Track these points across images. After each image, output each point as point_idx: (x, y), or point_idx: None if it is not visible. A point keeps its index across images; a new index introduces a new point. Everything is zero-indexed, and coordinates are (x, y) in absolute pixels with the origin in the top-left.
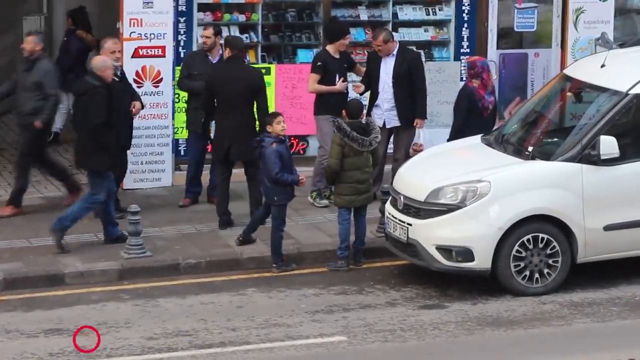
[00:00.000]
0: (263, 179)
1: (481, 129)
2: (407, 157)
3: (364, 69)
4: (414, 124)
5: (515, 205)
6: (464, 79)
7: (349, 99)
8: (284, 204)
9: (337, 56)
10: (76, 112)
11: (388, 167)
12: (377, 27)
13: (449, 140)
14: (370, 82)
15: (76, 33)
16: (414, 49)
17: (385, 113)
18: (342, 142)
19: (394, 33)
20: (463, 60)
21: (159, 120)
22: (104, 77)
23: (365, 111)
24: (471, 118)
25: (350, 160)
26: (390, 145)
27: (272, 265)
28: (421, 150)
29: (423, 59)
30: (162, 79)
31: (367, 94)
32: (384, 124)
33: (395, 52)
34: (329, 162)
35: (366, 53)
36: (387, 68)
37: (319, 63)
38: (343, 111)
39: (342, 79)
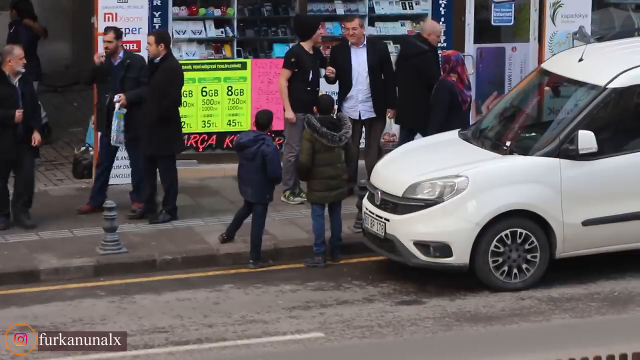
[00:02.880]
0: (251, 178)
1: (460, 123)
2: (379, 149)
3: (329, 67)
4: (387, 114)
5: (493, 200)
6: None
7: (320, 95)
8: (270, 201)
9: (311, 52)
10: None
11: (362, 162)
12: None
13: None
14: (340, 74)
15: (23, 22)
16: (383, 41)
17: (360, 105)
18: (312, 137)
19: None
20: (440, 55)
21: None
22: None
23: (335, 106)
24: (451, 112)
25: (321, 155)
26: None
27: (249, 262)
28: (392, 141)
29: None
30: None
31: (337, 88)
32: (359, 116)
33: (365, 43)
34: (300, 158)
35: None
36: (359, 59)
37: (292, 59)
38: (314, 107)
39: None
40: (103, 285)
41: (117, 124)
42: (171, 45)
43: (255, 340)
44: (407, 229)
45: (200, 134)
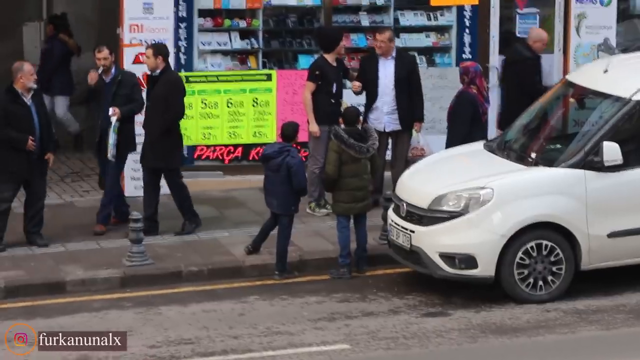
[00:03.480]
0: (277, 189)
1: (481, 135)
2: (407, 161)
3: (355, 82)
4: (414, 127)
5: (518, 212)
6: None
7: (345, 107)
8: (295, 213)
9: (335, 63)
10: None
11: (388, 174)
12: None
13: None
14: (367, 85)
15: (59, 37)
16: (412, 54)
17: (385, 116)
18: (339, 149)
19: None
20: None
21: None
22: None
23: (361, 117)
24: (472, 125)
25: (347, 167)
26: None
27: (275, 273)
28: (421, 155)
29: (424, 65)
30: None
31: (363, 99)
32: (384, 128)
33: (393, 55)
34: (326, 169)
35: None
36: (386, 71)
37: (316, 72)
38: (340, 119)
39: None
40: (129, 296)
41: (113, 138)
42: (195, 56)
43: (280, 352)
44: (433, 241)
45: (225, 145)
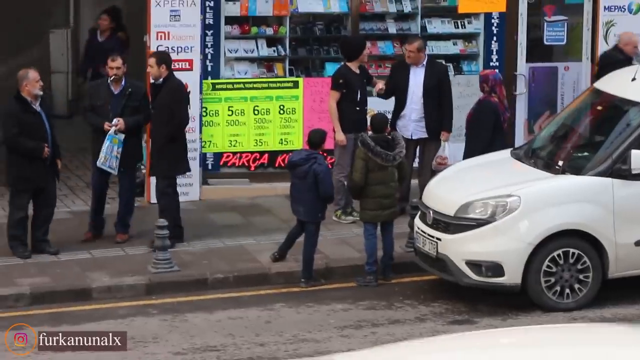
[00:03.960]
0: (303, 197)
1: (503, 144)
2: (431, 170)
3: (379, 82)
4: (440, 136)
5: (545, 220)
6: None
7: (373, 114)
8: (322, 220)
9: (358, 71)
10: None
11: (415, 182)
12: (405, 39)
13: (471, 157)
14: (396, 92)
15: (118, 35)
16: (443, 62)
17: (412, 124)
18: (365, 156)
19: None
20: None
21: (187, 134)
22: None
23: (389, 125)
24: (494, 133)
25: (374, 174)
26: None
27: (301, 280)
28: (445, 164)
29: (451, 72)
30: (189, 92)
31: (391, 107)
32: (411, 136)
33: (424, 63)
34: (353, 177)
35: None
36: (416, 79)
37: (340, 80)
38: (368, 125)
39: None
40: (155, 303)
41: (108, 146)
42: (222, 63)
43: None
44: (459, 249)
45: (252, 152)
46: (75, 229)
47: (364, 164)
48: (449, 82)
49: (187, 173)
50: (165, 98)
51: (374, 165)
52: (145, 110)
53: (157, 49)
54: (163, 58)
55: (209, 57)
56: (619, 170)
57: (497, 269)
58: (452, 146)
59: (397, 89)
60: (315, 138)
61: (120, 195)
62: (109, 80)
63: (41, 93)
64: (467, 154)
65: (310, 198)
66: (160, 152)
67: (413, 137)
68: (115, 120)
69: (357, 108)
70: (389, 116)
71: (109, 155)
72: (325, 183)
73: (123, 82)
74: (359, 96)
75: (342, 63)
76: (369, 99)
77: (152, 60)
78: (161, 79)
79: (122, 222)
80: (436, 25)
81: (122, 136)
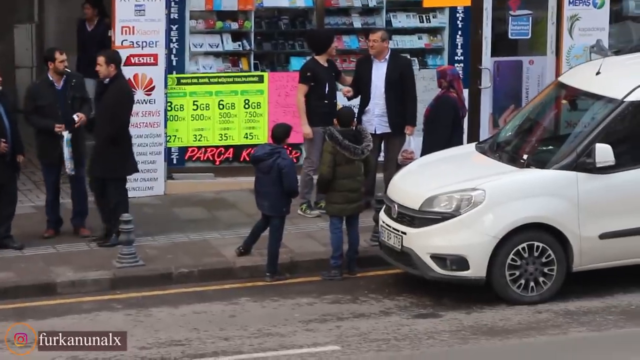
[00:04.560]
0: (267, 191)
1: (460, 139)
2: (396, 164)
3: (348, 78)
4: (405, 131)
5: (510, 213)
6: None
7: (340, 108)
8: (286, 214)
9: (326, 64)
10: None
11: (380, 176)
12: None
13: (430, 153)
14: (360, 87)
15: (105, 22)
16: (407, 56)
17: (375, 118)
18: (334, 150)
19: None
20: (457, 68)
21: (152, 129)
22: None
23: (355, 119)
24: (452, 129)
25: (341, 168)
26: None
27: (266, 275)
28: (411, 158)
29: (416, 67)
30: (154, 87)
31: (357, 101)
32: (375, 131)
33: (387, 57)
34: (320, 170)
35: None
36: (379, 73)
37: (308, 73)
38: (334, 120)
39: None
40: (119, 298)
41: (68, 151)
42: (187, 58)
43: (271, 354)
44: (424, 242)
45: (217, 147)
46: (39, 224)
47: (332, 157)
48: (412, 75)
49: (152, 167)
50: (110, 98)
51: (341, 159)
52: (89, 100)
53: (122, 43)
54: (113, 57)
55: (174, 51)
56: (584, 164)
57: (461, 263)
58: (417, 140)
59: (361, 84)
60: (279, 132)
61: (73, 189)
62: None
63: (0, 88)
64: (426, 150)
65: (275, 192)
66: (99, 152)
67: (377, 132)
68: (76, 117)
69: (325, 102)
70: (356, 110)
71: (69, 159)
72: (290, 177)
73: (64, 76)
74: (326, 90)
75: (311, 56)
76: (339, 94)
77: (101, 59)
78: (108, 79)
79: (80, 216)
80: (401, 20)
81: (69, 135)
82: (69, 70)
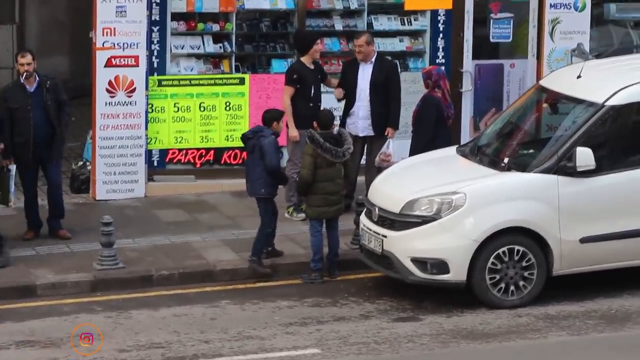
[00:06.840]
0: (251, 171)
1: (446, 139)
2: (376, 167)
3: (334, 81)
4: (385, 133)
5: (490, 217)
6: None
7: (320, 110)
8: (270, 198)
9: (312, 67)
10: None
11: (361, 178)
12: (352, 36)
13: (415, 153)
14: (346, 89)
15: None
16: (390, 59)
17: (360, 121)
18: (314, 152)
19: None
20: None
21: (132, 131)
22: None
23: (338, 122)
24: (436, 129)
25: (322, 171)
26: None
27: (248, 258)
28: (388, 161)
29: (398, 70)
30: (135, 88)
31: (342, 104)
32: (358, 133)
33: (373, 60)
34: (301, 173)
35: (340, 63)
36: (364, 75)
37: (294, 75)
38: (314, 122)
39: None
40: (100, 300)
41: (13, 184)
42: (168, 60)
43: (251, 357)
44: (405, 246)
45: (198, 149)
46: (19, 226)
47: (312, 160)
48: (397, 78)
49: (133, 169)
50: None
51: (322, 162)
52: (66, 102)
53: (103, 45)
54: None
55: (155, 53)
56: (565, 168)
57: (442, 266)
58: (396, 143)
59: (346, 86)
60: (265, 117)
61: (50, 192)
62: (21, 80)
63: None
64: (412, 151)
65: (258, 172)
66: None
67: (360, 135)
68: None
69: (311, 104)
70: (336, 113)
71: (14, 192)
72: (269, 155)
73: (37, 78)
74: (312, 92)
75: (296, 58)
76: (323, 96)
77: (29, 58)
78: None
79: (57, 218)
80: (382, 22)
81: (15, 169)
82: (26, 73)
